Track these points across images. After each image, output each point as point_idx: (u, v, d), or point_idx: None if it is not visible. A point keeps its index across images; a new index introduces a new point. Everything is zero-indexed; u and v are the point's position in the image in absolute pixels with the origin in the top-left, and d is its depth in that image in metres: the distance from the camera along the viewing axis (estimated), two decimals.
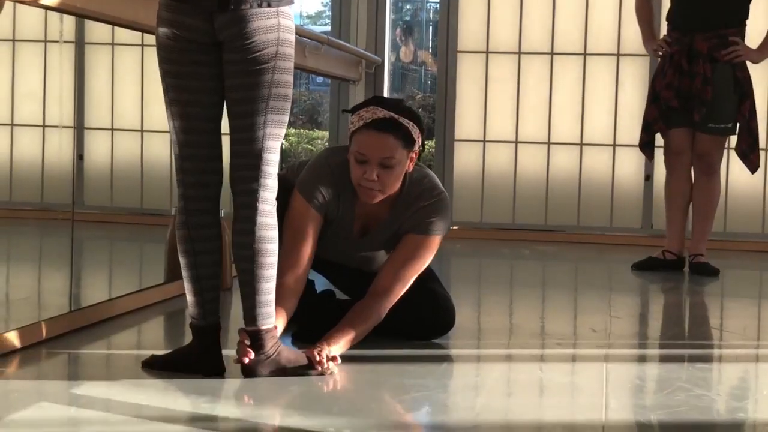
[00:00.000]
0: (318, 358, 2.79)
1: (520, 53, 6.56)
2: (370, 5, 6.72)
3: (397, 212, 3.19)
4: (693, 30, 5.01)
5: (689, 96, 5.00)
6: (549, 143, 6.56)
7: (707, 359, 3.36)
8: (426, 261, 3.18)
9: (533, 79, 6.57)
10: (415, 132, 3.07)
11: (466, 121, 6.64)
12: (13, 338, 2.99)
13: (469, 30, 6.62)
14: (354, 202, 3.17)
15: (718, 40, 5.01)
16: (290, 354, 2.79)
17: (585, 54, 6.47)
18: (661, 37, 5.23)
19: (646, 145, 5.25)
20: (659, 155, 5.40)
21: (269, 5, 2.68)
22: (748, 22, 5.12)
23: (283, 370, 2.73)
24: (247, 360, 2.70)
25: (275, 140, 2.75)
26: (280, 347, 2.76)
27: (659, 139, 5.32)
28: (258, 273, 2.71)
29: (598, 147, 6.48)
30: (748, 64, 5.10)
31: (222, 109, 2.80)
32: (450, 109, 6.63)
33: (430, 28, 11.46)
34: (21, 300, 3.84)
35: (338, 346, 2.92)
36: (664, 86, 5.06)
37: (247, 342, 2.71)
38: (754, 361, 3.35)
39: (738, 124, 5.07)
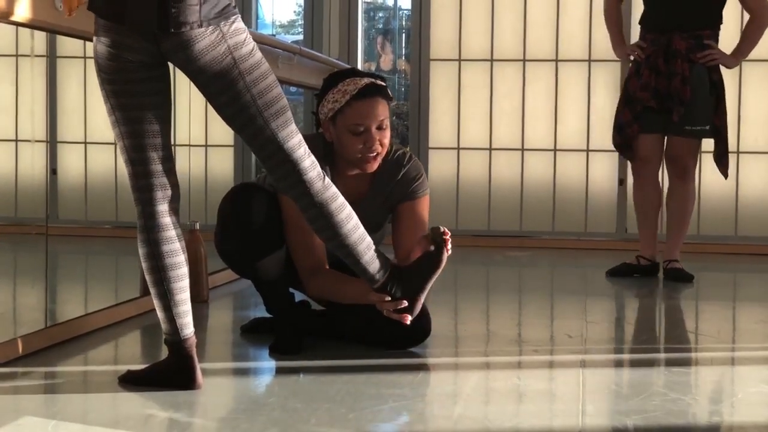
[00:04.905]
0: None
1: (492, 60, 6.59)
2: (342, 14, 6.73)
3: (380, 182, 3.28)
4: (671, 30, 5.02)
5: (667, 96, 4.99)
6: (523, 149, 6.58)
7: (682, 363, 3.38)
8: (427, 218, 3.37)
9: (506, 86, 6.60)
10: (387, 88, 3.23)
11: (440, 128, 6.66)
12: None
13: (442, 38, 6.64)
14: (335, 178, 3.23)
15: (694, 41, 5.01)
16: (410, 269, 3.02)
17: (556, 60, 6.50)
18: (635, 42, 5.23)
19: (621, 147, 5.18)
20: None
21: (209, 24, 2.66)
22: (722, 26, 5.14)
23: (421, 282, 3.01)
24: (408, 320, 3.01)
25: (285, 128, 2.75)
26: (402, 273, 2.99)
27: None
28: (348, 243, 2.87)
29: (571, 152, 6.51)
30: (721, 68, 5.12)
31: (171, 121, 2.79)
32: (424, 117, 6.65)
33: (403, 35, 11.46)
34: None
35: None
36: (640, 87, 5.04)
37: (387, 298, 2.97)
38: (729, 364, 3.37)
39: (716, 127, 5.03)
